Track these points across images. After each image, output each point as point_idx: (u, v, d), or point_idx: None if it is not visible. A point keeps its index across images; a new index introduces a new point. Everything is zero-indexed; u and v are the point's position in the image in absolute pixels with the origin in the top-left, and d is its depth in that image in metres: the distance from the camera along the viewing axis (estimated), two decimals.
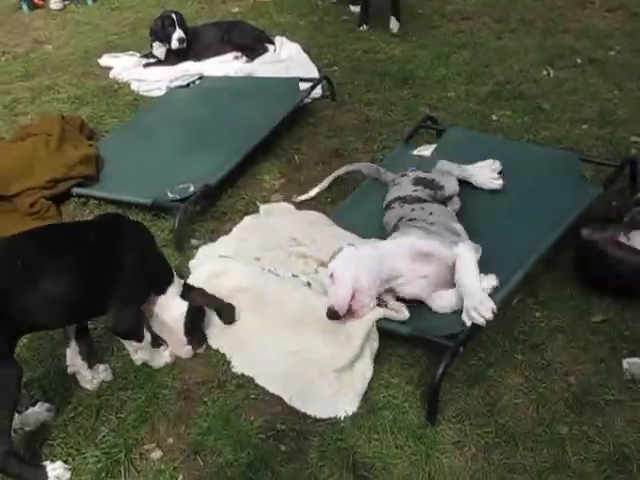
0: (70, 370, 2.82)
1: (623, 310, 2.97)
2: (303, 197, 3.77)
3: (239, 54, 5.31)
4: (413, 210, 3.13)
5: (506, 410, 2.62)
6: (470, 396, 2.68)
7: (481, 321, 2.63)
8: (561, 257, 3.20)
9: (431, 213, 3.09)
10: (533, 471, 2.41)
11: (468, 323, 2.67)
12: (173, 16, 5.15)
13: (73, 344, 2.79)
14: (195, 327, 2.92)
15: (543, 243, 3.06)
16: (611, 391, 2.65)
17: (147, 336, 2.81)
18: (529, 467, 2.42)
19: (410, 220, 3.07)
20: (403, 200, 3.22)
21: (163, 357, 2.91)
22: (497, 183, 3.46)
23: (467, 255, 2.83)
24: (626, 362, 2.73)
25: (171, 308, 2.85)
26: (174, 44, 5.15)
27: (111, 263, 2.66)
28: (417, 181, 3.30)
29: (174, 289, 2.87)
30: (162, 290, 2.84)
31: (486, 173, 3.48)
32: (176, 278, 2.90)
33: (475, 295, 2.69)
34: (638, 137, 4.06)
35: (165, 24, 5.15)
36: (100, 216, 3.16)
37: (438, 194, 3.24)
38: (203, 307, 2.96)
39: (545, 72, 4.87)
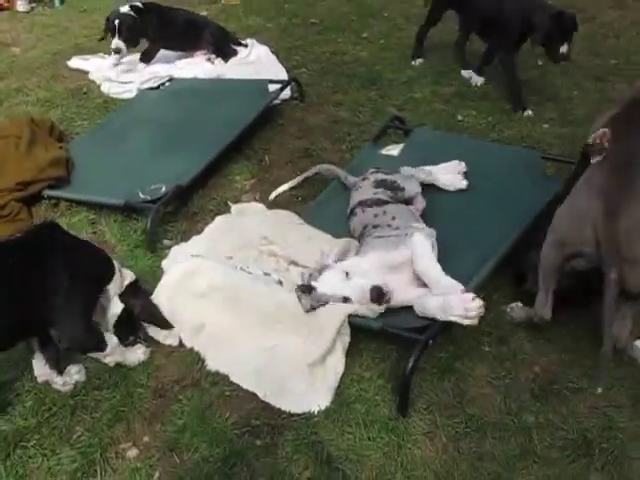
0: (41, 380, 2.79)
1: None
2: (273, 195, 3.78)
3: (212, 56, 5.27)
4: (376, 216, 3.14)
5: (474, 401, 2.66)
6: (440, 388, 2.71)
7: (468, 322, 2.62)
8: None
9: (394, 218, 3.11)
10: (501, 459, 2.45)
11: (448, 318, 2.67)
12: (116, 22, 5.05)
13: (38, 355, 2.76)
14: (125, 330, 2.89)
15: (508, 239, 3.11)
16: (574, 380, 2.71)
17: (112, 340, 2.78)
18: (497, 455, 2.46)
19: (374, 227, 3.09)
20: (364, 204, 3.23)
21: (137, 355, 2.89)
22: (462, 183, 3.50)
23: (418, 243, 2.87)
24: (508, 307, 2.97)
25: (105, 307, 2.82)
26: (111, 52, 5.13)
27: (43, 279, 2.61)
28: (378, 183, 3.33)
29: (113, 288, 2.81)
30: (101, 289, 2.79)
31: (450, 175, 3.51)
32: (117, 276, 2.84)
33: (444, 286, 2.72)
34: None
35: (108, 27, 5.11)
36: (31, 229, 2.96)
37: (399, 195, 3.26)
38: (135, 315, 2.90)
39: None
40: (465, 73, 4.98)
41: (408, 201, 3.28)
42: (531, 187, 3.44)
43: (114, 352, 2.79)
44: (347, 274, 2.81)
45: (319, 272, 2.88)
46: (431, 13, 5.16)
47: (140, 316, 2.91)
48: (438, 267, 2.80)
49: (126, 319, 2.87)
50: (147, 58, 5.26)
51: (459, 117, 4.44)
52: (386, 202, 3.21)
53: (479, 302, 2.60)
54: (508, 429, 2.54)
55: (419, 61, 5.24)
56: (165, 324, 2.94)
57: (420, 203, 3.34)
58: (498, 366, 2.79)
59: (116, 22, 5.03)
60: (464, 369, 2.78)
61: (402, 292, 2.83)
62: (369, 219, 3.15)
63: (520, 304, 2.97)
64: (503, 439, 2.51)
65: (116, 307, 2.82)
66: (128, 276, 2.89)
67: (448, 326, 2.75)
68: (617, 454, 2.45)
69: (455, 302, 2.62)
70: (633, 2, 5.81)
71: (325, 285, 2.81)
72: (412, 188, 3.32)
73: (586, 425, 2.55)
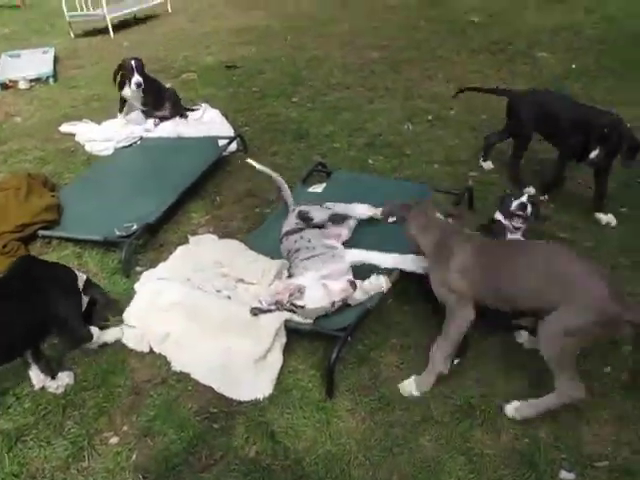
0: (37, 386, 2.72)
1: None
2: (252, 162, 3.83)
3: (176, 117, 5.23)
4: (296, 241, 3.15)
5: (386, 382, 2.68)
6: (358, 374, 2.73)
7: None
8: None
9: (309, 240, 3.12)
10: (407, 425, 2.49)
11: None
12: (132, 63, 4.90)
13: (34, 367, 2.71)
14: (92, 317, 2.94)
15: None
16: (461, 362, 2.73)
17: (93, 329, 2.82)
18: (404, 422, 2.50)
19: (297, 251, 3.09)
20: (288, 233, 3.24)
21: (114, 333, 2.94)
22: (374, 212, 3.46)
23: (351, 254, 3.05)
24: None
25: None
26: (133, 87, 4.91)
27: (40, 297, 2.62)
28: (298, 215, 3.33)
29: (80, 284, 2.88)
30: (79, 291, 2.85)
31: (361, 207, 3.48)
32: (78, 275, 2.89)
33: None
34: (474, 172, 4.22)
35: (127, 69, 4.91)
36: (14, 263, 2.87)
37: (310, 223, 3.25)
38: (95, 298, 2.95)
39: (406, 127, 4.97)
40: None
41: (320, 227, 3.27)
42: None
43: (98, 337, 2.83)
44: (325, 285, 2.82)
45: (300, 292, 2.82)
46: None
47: (99, 303, 2.96)
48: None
49: (91, 308, 2.92)
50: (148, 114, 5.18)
51: (370, 161, 4.48)
52: (302, 229, 3.21)
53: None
54: (412, 402, 2.57)
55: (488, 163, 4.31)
56: (115, 309, 3.04)
57: (344, 233, 3.32)
58: (404, 354, 2.81)
59: (133, 62, 4.92)
60: (377, 357, 2.80)
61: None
62: (291, 245, 3.16)
63: None
64: (408, 409, 2.54)
65: (83, 300, 2.86)
66: (83, 277, 2.91)
67: (363, 324, 2.78)
68: (493, 413, 2.51)
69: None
70: (496, 72, 6.01)
71: (311, 301, 2.79)
72: (319, 215, 3.29)
73: (470, 393, 2.60)
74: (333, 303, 2.78)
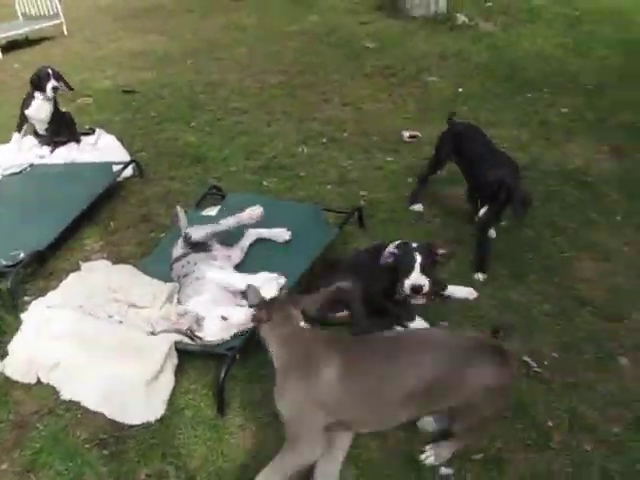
0: None
1: None
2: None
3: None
4: (183, 267, 3.22)
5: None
6: (249, 390, 2.80)
7: None
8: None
9: (195, 263, 3.20)
10: None
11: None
12: (48, 70, 4.84)
13: None
14: None
15: (300, 270, 3.28)
16: None
17: None
18: None
19: (185, 276, 3.17)
20: (176, 260, 3.30)
21: None
22: (287, 234, 3.58)
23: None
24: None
25: None
26: (49, 92, 4.82)
27: None
28: (183, 239, 3.38)
29: None
30: None
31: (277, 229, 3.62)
32: None
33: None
34: (364, 192, 4.41)
35: (41, 76, 4.84)
36: None
37: (191, 242, 3.31)
38: None
39: (300, 149, 5.10)
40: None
41: (206, 249, 3.34)
42: (317, 231, 3.65)
43: None
44: (223, 317, 2.86)
45: (198, 324, 2.88)
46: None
47: None
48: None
49: None
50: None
51: (265, 183, 4.59)
52: (188, 253, 3.28)
53: None
54: None
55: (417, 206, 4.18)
56: None
57: (226, 250, 3.40)
58: None
59: (49, 69, 4.85)
60: (267, 374, 2.86)
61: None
62: (180, 271, 3.23)
63: None
64: None
65: None
66: None
67: (250, 343, 2.85)
68: None
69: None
70: (388, 96, 6.33)
71: (210, 333, 2.85)
72: (196, 235, 3.33)
73: None
74: (232, 334, 2.86)
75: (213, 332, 2.86)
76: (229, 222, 3.47)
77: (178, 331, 2.86)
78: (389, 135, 5.26)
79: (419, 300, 2.93)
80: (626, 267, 3.62)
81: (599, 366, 2.93)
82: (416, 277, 2.88)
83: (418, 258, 2.89)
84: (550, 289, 3.43)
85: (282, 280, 2.98)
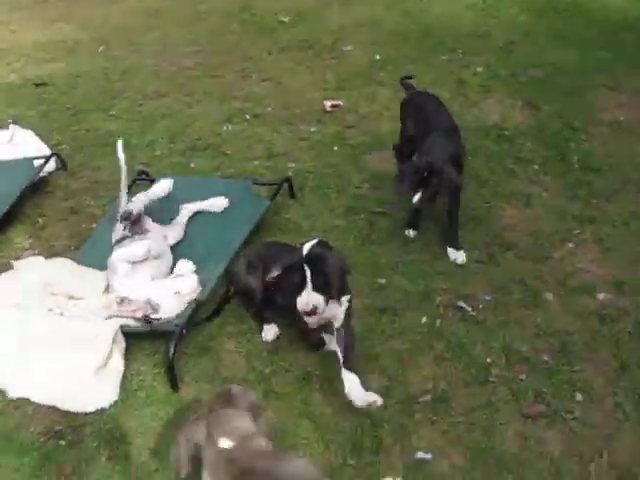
0: None
1: None
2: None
3: None
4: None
5: (227, 367, 2.86)
6: (201, 363, 2.88)
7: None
8: None
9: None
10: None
11: None
12: None
13: None
14: None
15: (235, 245, 3.36)
16: (295, 336, 2.99)
17: None
18: None
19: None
20: (117, 242, 3.32)
21: None
22: (224, 202, 3.68)
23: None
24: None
25: None
26: None
27: None
28: (122, 218, 3.39)
29: None
30: None
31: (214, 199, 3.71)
32: None
33: None
34: (292, 163, 4.48)
35: None
36: None
37: (132, 217, 3.35)
38: None
39: (225, 128, 5.09)
40: None
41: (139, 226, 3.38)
42: (248, 206, 3.71)
43: None
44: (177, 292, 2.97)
45: (153, 309, 2.94)
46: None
47: None
48: None
49: None
50: None
51: (192, 164, 4.58)
52: (126, 237, 3.30)
53: None
54: (253, 381, 2.77)
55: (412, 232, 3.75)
56: None
57: (164, 229, 3.45)
58: (241, 339, 3.01)
59: None
60: (217, 345, 2.98)
61: None
62: None
63: None
64: (251, 388, 2.66)
65: None
66: None
67: (196, 317, 2.96)
68: (330, 377, 2.76)
69: None
70: (306, 68, 6.39)
71: (168, 311, 2.95)
72: (134, 206, 3.40)
73: (307, 362, 2.86)
74: (187, 303, 2.96)
75: (170, 309, 2.95)
76: (141, 198, 3.52)
77: (135, 319, 2.90)
78: (311, 106, 5.34)
79: (313, 320, 2.64)
80: (546, 212, 3.88)
81: (527, 304, 3.17)
82: (307, 296, 2.51)
83: (308, 273, 2.51)
84: (478, 238, 3.65)
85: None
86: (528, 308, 3.13)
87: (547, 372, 2.77)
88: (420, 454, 2.47)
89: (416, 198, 3.32)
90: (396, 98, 5.13)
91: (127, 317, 2.89)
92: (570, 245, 3.58)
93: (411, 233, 3.69)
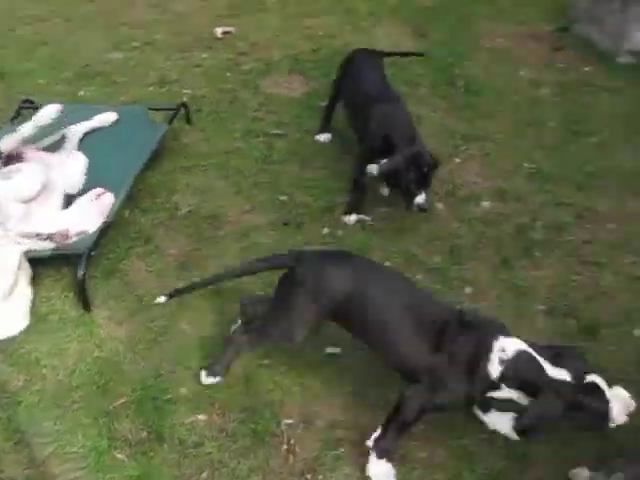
0: None
1: None
2: None
3: None
4: None
5: (140, 286, 2.94)
6: (110, 285, 2.95)
7: None
8: None
9: None
10: (166, 315, 2.79)
11: None
12: None
13: None
14: None
15: (137, 167, 3.39)
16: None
17: None
18: (163, 314, 2.79)
19: None
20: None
21: None
22: (112, 115, 3.69)
23: None
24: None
25: None
26: None
27: None
28: None
29: None
30: None
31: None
32: None
33: None
34: (186, 90, 4.49)
35: None
36: None
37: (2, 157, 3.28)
38: None
39: (116, 55, 4.95)
40: None
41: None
42: (145, 131, 3.70)
43: None
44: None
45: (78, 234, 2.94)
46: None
47: None
48: None
49: None
50: None
51: (81, 93, 4.47)
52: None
53: None
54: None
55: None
56: None
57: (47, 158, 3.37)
58: (149, 259, 3.09)
59: None
60: (125, 267, 3.05)
61: None
62: None
63: None
64: (166, 305, 2.73)
65: None
66: None
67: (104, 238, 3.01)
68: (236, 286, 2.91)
69: None
70: None
71: (92, 225, 2.97)
72: (5, 144, 3.36)
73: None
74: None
75: (94, 223, 2.99)
76: (28, 127, 3.44)
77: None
78: (202, 33, 5.29)
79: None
80: (436, 131, 4.16)
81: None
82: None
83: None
84: None
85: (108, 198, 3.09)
86: (421, 217, 3.41)
87: (440, 271, 3.09)
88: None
89: (422, 198, 3.23)
90: (285, 27, 5.25)
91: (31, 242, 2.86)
92: (457, 160, 3.90)
93: (322, 137, 3.95)
